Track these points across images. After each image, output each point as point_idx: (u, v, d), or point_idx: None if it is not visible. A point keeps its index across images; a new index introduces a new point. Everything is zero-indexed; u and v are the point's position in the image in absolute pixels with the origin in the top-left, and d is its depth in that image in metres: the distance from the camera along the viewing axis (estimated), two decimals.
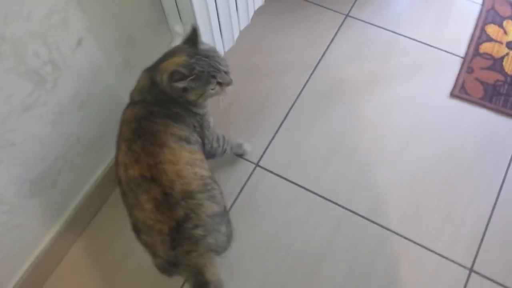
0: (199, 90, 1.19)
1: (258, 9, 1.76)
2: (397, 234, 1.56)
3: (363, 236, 1.56)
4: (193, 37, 1.20)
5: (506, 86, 1.81)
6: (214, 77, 1.20)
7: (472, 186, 1.62)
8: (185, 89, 1.17)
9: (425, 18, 1.99)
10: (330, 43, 1.96)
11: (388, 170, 1.66)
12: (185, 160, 1.16)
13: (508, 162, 1.66)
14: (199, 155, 1.24)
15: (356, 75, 1.85)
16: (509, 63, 1.86)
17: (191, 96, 1.20)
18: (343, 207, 1.61)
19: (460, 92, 1.80)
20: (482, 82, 1.82)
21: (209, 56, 1.19)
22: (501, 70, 1.84)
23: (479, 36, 1.93)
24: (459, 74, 1.84)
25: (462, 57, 1.88)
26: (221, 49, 1.61)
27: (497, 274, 1.48)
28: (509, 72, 1.83)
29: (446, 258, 1.51)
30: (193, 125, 1.27)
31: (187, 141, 1.21)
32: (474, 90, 1.80)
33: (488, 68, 1.85)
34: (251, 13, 1.70)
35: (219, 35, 1.56)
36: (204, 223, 1.12)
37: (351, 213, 1.60)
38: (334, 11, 2.03)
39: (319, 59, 1.91)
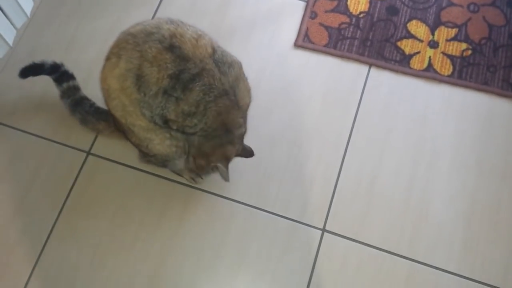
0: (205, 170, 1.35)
1: None
2: (247, 204, 1.47)
3: (214, 211, 1.47)
4: None
5: (351, 29, 1.71)
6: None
7: (320, 143, 1.55)
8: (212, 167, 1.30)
9: None
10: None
11: None
12: None
13: (355, 110, 1.60)
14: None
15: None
16: (354, 1, 1.75)
17: (201, 165, 1.32)
18: (187, 185, 1.49)
19: (304, 41, 1.68)
20: (326, 27, 1.71)
21: None
22: (346, 11, 1.74)
23: None
24: (302, 21, 1.71)
25: (305, 1, 1.75)
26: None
27: (349, 230, 1.45)
28: (354, 12, 1.73)
29: (299, 222, 1.45)
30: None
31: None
32: (318, 37, 1.69)
33: (333, 10, 1.74)
34: None
35: None
36: None
37: (200, 191, 1.49)
38: None
39: (150, 18, 1.69)
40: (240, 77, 1.25)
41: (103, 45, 1.63)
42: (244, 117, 1.29)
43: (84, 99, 1.46)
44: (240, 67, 1.26)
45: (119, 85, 1.20)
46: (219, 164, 1.23)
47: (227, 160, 1.26)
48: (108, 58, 1.22)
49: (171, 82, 1.16)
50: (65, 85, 1.45)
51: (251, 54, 1.66)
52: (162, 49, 1.16)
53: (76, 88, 1.47)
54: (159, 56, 1.15)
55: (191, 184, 1.49)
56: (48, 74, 1.44)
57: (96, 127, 1.45)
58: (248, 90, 1.29)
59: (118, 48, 1.20)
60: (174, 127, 1.24)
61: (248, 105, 1.30)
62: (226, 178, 1.27)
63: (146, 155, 1.39)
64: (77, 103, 1.45)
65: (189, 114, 1.19)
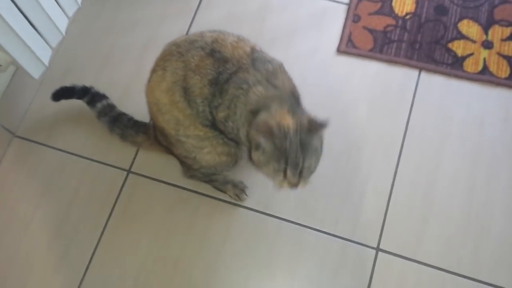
0: (263, 156, 1.05)
1: None
2: (293, 222, 1.39)
3: (260, 229, 1.39)
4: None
5: (397, 31, 1.61)
6: (286, 163, 1.04)
7: (369, 154, 1.46)
8: (257, 146, 1.06)
9: None
10: (197, 9, 1.68)
11: None
12: None
13: (406, 118, 1.50)
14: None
15: None
16: (399, 2, 1.65)
17: (255, 155, 1.07)
18: (231, 203, 1.42)
19: (347, 46, 1.60)
20: (371, 31, 1.61)
21: (304, 144, 1.03)
22: (391, 12, 1.64)
23: None
24: (344, 25, 1.62)
25: (347, 4, 1.66)
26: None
27: (405, 248, 1.35)
28: (399, 14, 1.64)
29: (350, 241, 1.36)
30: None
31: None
32: (363, 41, 1.60)
33: (377, 13, 1.64)
34: None
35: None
36: None
37: (243, 209, 1.42)
38: None
39: (186, 30, 1.64)
40: (279, 71, 1.15)
41: (139, 61, 1.61)
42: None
43: (122, 114, 1.43)
44: (281, 65, 1.17)
45: (168, 99, 1.15)
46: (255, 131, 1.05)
47: (266, 127, 1.03)
48: (154, 71, 1.19)
49: (211, 89, 1.11)
50: (99, 105, 1.42)
51: (292, 62, 1.54)
52: (204, 56, 1.12)
53: (111, 106, 1.43)
54: (201, 63, 1.11)
55: (235, 201, 1.42)
56: (79, 97, 1.42)
57: (136, 140, 1.41)
58: (289, 79, 1.18)
59: (163, 60, 1.17)
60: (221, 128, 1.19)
61: (291, 88, 1.16)
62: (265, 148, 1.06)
63: (190, 169, 1.33)
64: (115, 119, 1.41)
65: (226, 118, 1.14)
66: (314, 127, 1.04)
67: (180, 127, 1.19)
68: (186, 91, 1.13)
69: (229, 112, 1.12)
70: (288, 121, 1.03)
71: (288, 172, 1.04)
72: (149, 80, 1.20)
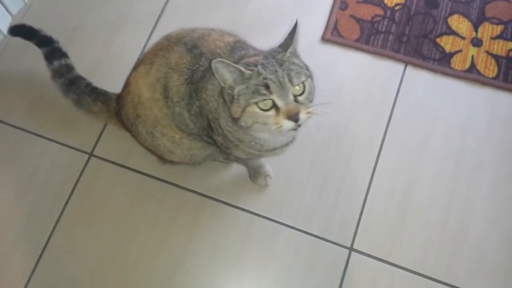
0: (242, 99, 0.89)
1: None
2: (266, 217, 1.32)
3: (230, 223, 1.32)
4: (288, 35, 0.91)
5: (385, 22, 1.53)
6: (268, 87, 0.86)
7: (348, 148, 1.39)
8: (230, 88, 0.90)
9: None
10: None
11: None
12: None
13: (388, 114, 1.43)
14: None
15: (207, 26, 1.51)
16: None
17: (234, 107, 0.91)
18: (197, 192, 1.34)
19: (332, 35, 1.51)
20: (358, 20, 1.53)
21: (284, 63, 0.89)
22: (380, 2, 1.56)
23: None
24: (331, 12, 1.54)
25: None
26: None
27: (380, 250, 1.29)
28: (389, 4, 1.56)
29: (323, 239, 1.30)
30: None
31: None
32: (349, 30, 1.52)
33: (365, 1, 1.56)
34: None
35: None
36: None
37: (208, 199, 1.34)
38: None
39: (161, 7, 1.54)
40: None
41: (110, 36, 1.50)
42: None
43: (79, 78, 1.30)
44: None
45: (150, 95, 1.08)
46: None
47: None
48: (143, 62, 1.11)
49: (187, 88, 1.05)
50: (56, 63, 1.29)
51: None
52: (184, 52, 1.05)
53: (69, 67, 1.30)
54: (180, 60, 1.05)
55: (226, 164, 1.36)
56: (39, 45, 1.30)
57: (92, 109, 1.28)
58: None
59: (153, 53, 1.10)
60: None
61: None
62: None
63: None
64: (70, 82, 1.28)
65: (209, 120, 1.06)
66: (284, 44, 0.92)
67: (158, 125, 1.12)
68: (165, 89, 1.06)
69: (208, 114, 1.05)
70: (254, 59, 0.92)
71: (277, 99, 0.88)
72: (135, 69, 1.12)
